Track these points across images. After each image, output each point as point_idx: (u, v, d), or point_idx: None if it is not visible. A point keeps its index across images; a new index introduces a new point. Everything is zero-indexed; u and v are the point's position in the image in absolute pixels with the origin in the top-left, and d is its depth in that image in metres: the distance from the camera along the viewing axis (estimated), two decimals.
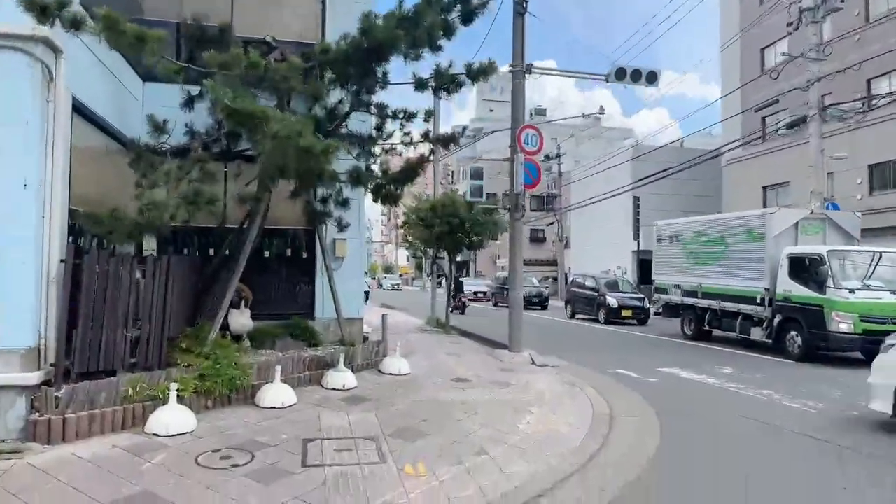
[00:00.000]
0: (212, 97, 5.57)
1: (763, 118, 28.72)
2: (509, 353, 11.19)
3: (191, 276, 7.59)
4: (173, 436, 5.60)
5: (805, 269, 11.87)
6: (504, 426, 6.38)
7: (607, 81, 12.31)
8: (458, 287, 24.17)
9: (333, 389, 7.66)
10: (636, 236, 29.65)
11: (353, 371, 8.22)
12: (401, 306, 28.26)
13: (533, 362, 10.90)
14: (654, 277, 17.40)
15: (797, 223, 12.88)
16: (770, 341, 12.68)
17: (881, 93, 18.41)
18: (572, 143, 48.37)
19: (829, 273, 11.12)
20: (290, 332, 8.62)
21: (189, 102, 7.87)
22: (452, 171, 51.74)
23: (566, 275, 39.65)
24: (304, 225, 8.98)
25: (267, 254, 9.32)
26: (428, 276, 20.40)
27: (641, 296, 20.83)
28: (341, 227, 8.51)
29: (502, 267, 45.74)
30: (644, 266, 29.41)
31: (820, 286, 11.34)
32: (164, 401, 5.89)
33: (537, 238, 48.84)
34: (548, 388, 8.58)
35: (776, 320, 12.43)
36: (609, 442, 6.24)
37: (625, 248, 33.40)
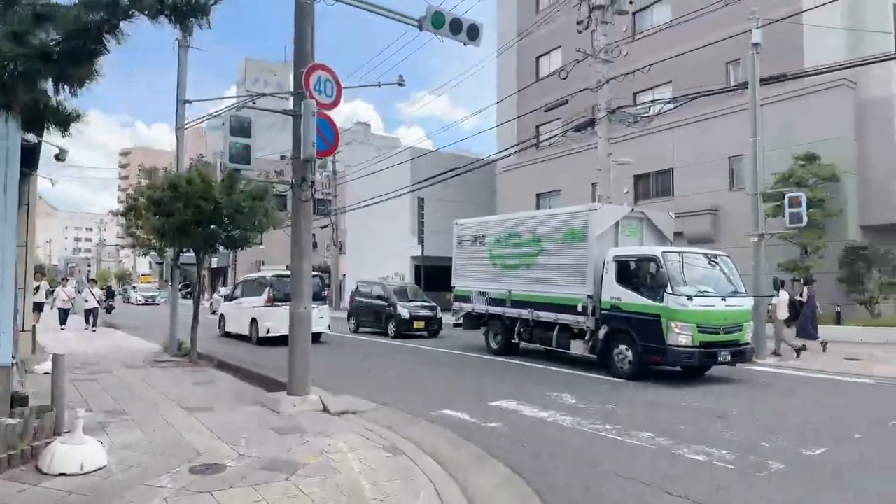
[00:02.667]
0: None
1: (537, 126, 29.24)
2: (290, 399, 7.51)
3: None
4: None
5: (636, 273, 10.40)
6: None
7: (421, 29, 9.40)
8: (110, 294, 29.23)
9: None
10: (421, 240, 27.69)
11: None
12: (137, 325, 22.06)
13: (325, 409, 7.42)
14: (454, 283, 15.10)
15: (617, 222, 11.52)
16: (594, 356, 11.04)
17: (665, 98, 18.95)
18: (343, 147, 45.46)
19: (668, 278, 9.70)
20: None
21: None
22: (209, 163, 44.77)
23: (341, 282, 36.44)
24: None
25: None
26: (167, 283, 15.35)
27: (434, 305, 18.53)
28: None
29: None
30: (428, 272, 27.66)
31: (655, 293, 9.88)
32: None
33: None
34: (360, 464, 5.21)
35: (602, 332, 10.79)
36: None
37: (404, 254, 31.41)
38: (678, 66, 19.82)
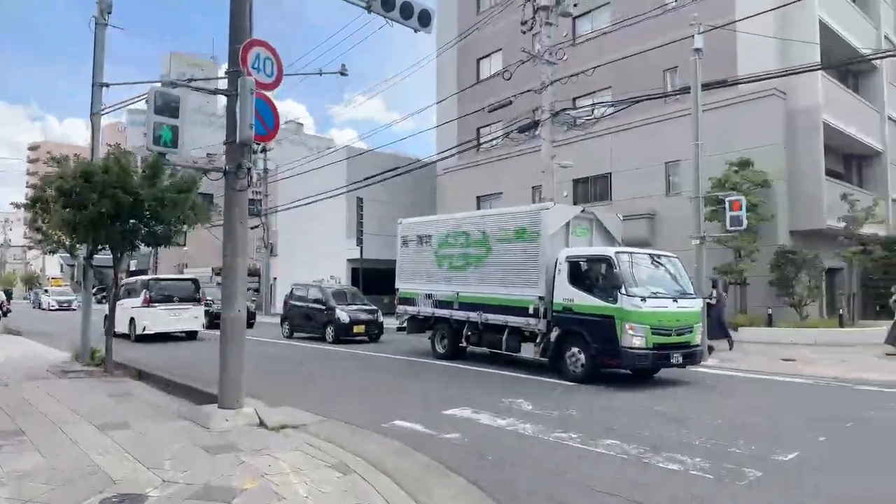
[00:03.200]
0: None
1: (478, 129, 29.05)
2: (221, 412, 6.70)
3: None
4: None
5: (589, 274, 10.16)
6: None
7: (369, 11, 8.86)
8: (8, 295, 28.86)
9: None
10: (359, 241, 26.83)
11: None
12: (44, 331, 20.10)
13: (262, 423, 6.66)
14: (397, 285, 14.46)
15: (568, 223, 11.27)
16: (545, 359, 10.72)
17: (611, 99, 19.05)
18: (274, 145, 43.75)
19: (622, 279, 9.48)
20: None
21: None
22: (129, 152, 41.91)
23: (272, 285, 34.92)
24: None
25: None
26: (79, 285, 13.83)
27: (375, 308, 17.81)
28: None
29: None
30: (365, 275, 26.85)
31: (608, 294, 9.65)
32: None
33: None
34: (307, 487, 4.55)
35: (553, 334, 10.47)
36: None
37: (340, 256, 30.42)
38: (617, 72, 20.09)
